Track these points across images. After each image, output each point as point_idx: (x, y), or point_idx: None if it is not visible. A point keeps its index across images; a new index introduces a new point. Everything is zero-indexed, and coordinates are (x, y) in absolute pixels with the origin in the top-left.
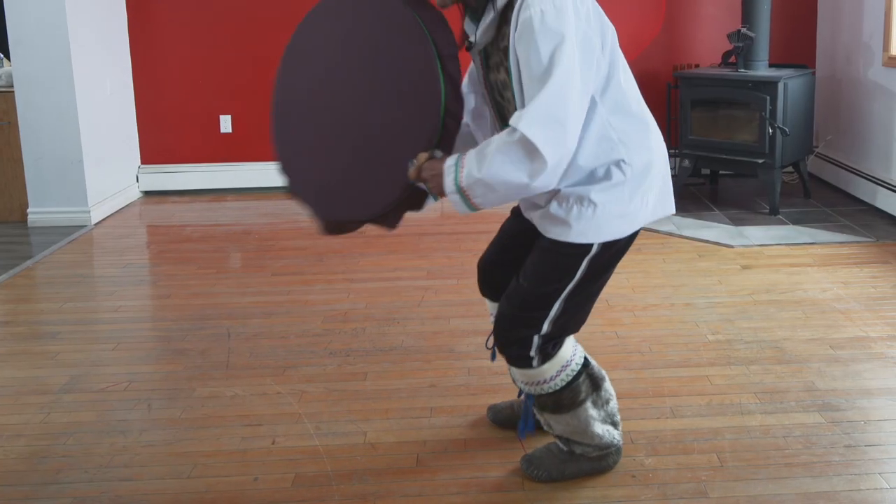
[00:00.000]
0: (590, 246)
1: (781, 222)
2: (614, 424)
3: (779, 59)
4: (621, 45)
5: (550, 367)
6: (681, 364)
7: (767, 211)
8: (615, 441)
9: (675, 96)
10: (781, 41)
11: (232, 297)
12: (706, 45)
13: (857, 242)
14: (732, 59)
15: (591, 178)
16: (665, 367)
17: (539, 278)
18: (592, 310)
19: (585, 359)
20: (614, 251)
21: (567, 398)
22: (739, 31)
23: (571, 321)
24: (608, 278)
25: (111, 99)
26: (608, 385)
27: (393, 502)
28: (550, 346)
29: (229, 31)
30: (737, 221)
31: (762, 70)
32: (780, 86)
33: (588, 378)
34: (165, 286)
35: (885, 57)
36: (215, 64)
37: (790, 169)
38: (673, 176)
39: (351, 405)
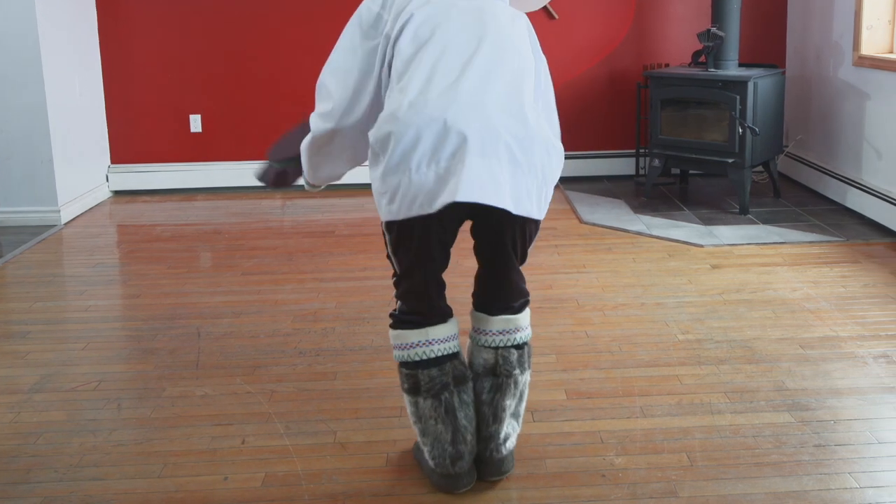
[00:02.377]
0: None
1: (751, 222)
2: None
3: (749, 58)
4: (591, 45)
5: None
6: (651, 364)
7: (737, 210)
8: None
9: (644, 96)
10: (751, 41)
11: (202, 296)
12: (676, 45)
13: (827, 242)
14: (702, 58)
15: None
16: (635, 367)
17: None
18: (562, 309)
19: None
20: None
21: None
22: (709, 30)
23: None
24: None
25: (81, 98)
26: None
27: (362, 502)
28: None
29: (199, 30)
30: (707, 221)
31: (732, 70)
32: (750, 85)
33: None
34: (135, 286)
35: (856, 56)
36: (185, 63)
37: (760, 168)
38: (642, 175)
39: (321, 405)
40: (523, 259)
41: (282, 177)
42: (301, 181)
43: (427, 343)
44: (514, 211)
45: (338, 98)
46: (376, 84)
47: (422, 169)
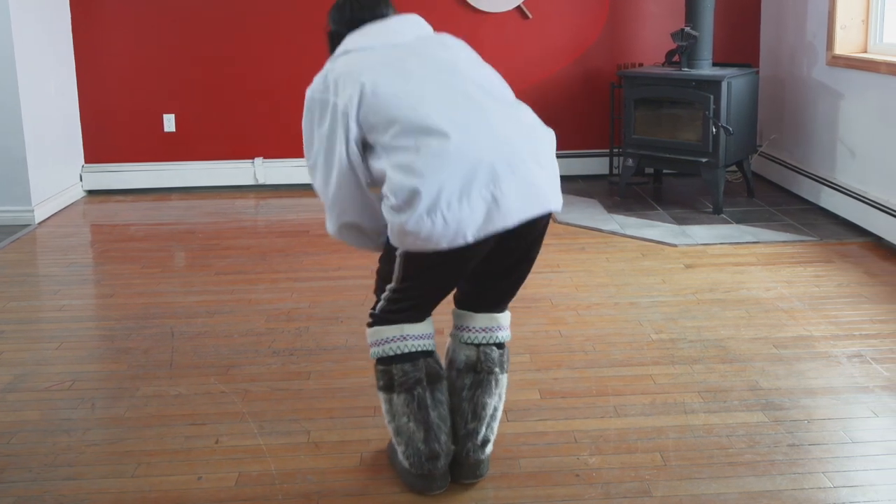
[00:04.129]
0: None
1: (725, 221)
2: None
3: (722, 58)
4: (564, 44)
5: None
6: (624, 363)
7: (711, 210)
8: None
9: (618, 95)
10: (725, 40)
11: (176, 296)
12: (650, 44)
13: (801, 241)
14: (676, 58)
15: None
16: (609, 366)
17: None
18: (536, 309)
19: None
20: None
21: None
22: (683, 30)
23: None
24: None
25: (55, 98)
26: None
27: (336, 501)
28: None
29: (172, 30)
30: (680, 220)
31: (706, 69)
32: (724, 85)
33: None
34: (109, 285)
35: (829, 56)
36: (159, 63)
37: (734, 168)
38: (616, 175)
39: (294, 404)
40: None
41: None
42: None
43: (402, 338)
44: (557, 208)
45: (329, 198)
46: (357, 167)
47: (453, 207)
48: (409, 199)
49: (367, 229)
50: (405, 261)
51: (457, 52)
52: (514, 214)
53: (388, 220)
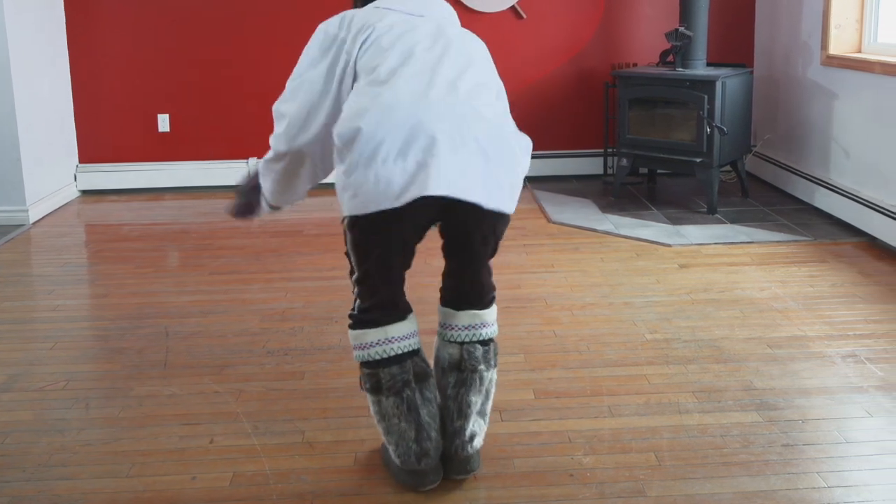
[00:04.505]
0: None
1: (719, 221)
2: None
3: (717, 58)
4: (559, 44)
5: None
6: (619, 363)
7: (705, 210)
8: None
9: (612, 95)
10: (719, 40)
11: (170, 296)
12: (644, 44)
13: (795, 241)
14: (670, 58)
15: None
16: (603, 366)
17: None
18: (530, 309)
19: None
20: None
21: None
22: (677, 30)
23: None
24: None
25: (49, 98)
26: None
27: (331, 501)
28: None
29: (167, 30)
30: (675, 220)
31: (700, 69)
32: (718, 85)
33: None
34: (103, 285)
35: (824, 56)
36: (153, 63)
37: (728, 168)
38: (611, 175)
39: (289, 404)
40: (493, 254)
41: (247, 208)
42: (264, 206)
43: (387, 341)
44: (486, 204)
45: (292, 116)
46: (333, 103)
47: (388, 163)
48: (350, 140)
49: (315, 162)
50: (350, 234)
51: (472, 46)
52: (440, 186)
53: (335, 176)
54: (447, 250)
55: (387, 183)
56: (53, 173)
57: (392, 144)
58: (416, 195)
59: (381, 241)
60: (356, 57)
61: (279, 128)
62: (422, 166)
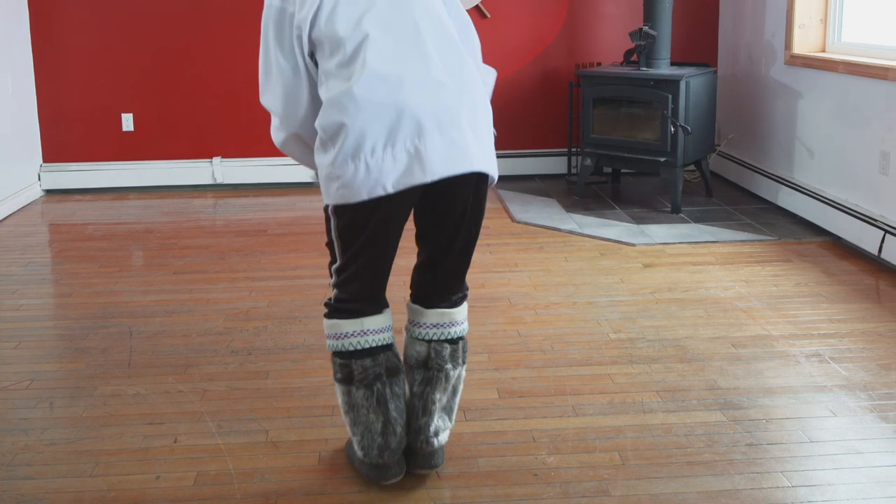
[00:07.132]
0: None
1: (683, 221)
2: None
3: (681, 57)
4: (523, 44)
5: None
6: (583, 362)
7: (669, 209)
8: None
9: (576, 95)
10: (683, 39)
11: (134, 295)
12: (608, 44)
13: (759, 241)
14: (634, 57)
15: None
16: (567, 366)
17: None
18: (494, 308)
19: None
20: None
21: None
22: (641, 29)
23: None
24: None
25: (12, 97)
26: None
27: (295, 500)
28: None
29: (131, 29)
30: (639, 220)
31: (664, 68)
32: (682, 84)
33: None
34: (68, 284)
35: (788, 55)
36: (117, 62)
37: (692, 167)
38: (574, 174)
39: (253, 403)
40: (475, 234)
41: None
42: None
43: (362, 333)
44: (488, 171)
45: (278, 109)
46: (308, 80)
47: (377, 153)
48: (335, 134)
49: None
50: (336, 222)
51: (429, 6)
52: (435, 170)
53: (318, 164)
54: (423, 238)
55: (378, 173)
56: (17, 173)
57: (378, 134)
58: (411, 184)
59: (376, 227)
60: (308, 31)
61: (273, 121)
62: (413, 156)
